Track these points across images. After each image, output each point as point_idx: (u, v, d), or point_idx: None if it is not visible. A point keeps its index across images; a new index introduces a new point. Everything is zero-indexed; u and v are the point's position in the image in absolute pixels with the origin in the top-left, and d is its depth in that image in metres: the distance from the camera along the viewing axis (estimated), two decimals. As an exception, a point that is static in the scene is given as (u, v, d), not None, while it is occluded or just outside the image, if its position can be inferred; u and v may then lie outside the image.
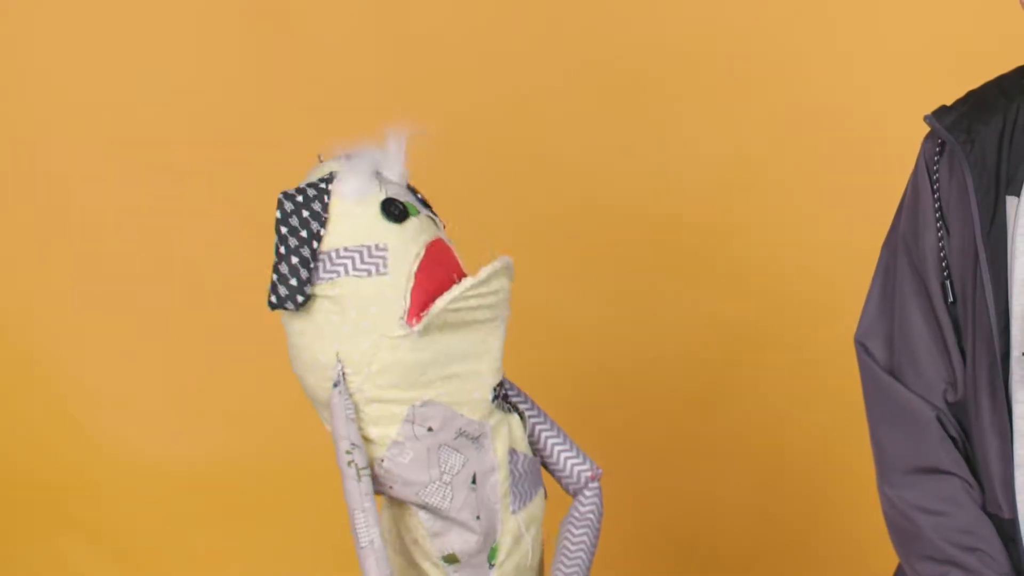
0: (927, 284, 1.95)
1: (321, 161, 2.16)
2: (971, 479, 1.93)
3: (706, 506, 3.29)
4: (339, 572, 3.21)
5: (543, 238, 3.22)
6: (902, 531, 1.96)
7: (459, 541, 2.16)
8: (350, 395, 2.09)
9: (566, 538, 2.22)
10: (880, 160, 3.13)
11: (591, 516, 2.25)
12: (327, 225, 2.07)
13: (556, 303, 3.26)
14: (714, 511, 3.29)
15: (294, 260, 2.07)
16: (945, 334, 1.94)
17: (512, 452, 2.17)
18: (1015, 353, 1.85)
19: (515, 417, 2.20)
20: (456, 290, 2.06)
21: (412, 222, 2.09)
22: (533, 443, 2.24)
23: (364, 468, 2.08)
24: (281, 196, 2.09)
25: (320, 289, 2.08)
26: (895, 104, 3.08)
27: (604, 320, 3.30)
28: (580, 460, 2.25)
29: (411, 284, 2.06)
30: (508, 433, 2.17)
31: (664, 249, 3.25)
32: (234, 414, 3.33)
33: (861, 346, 2.01)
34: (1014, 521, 1.89)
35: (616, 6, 3.22)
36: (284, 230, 2.08)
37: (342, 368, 2.09)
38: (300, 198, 2.08)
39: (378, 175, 2.12)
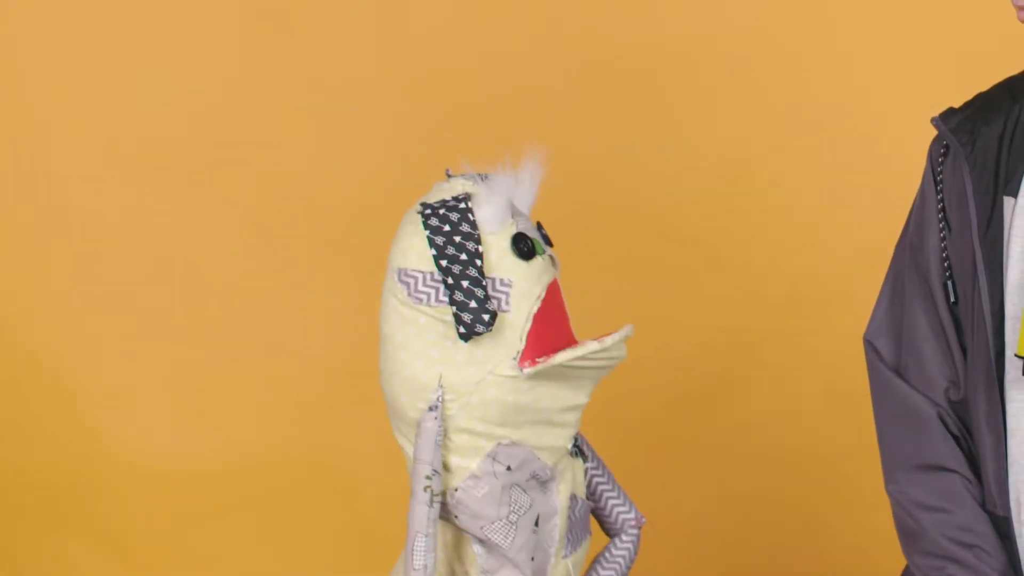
0: (931, 285, 1.96)
1: (449, 176, 2.14)
2: (972, 476, 1.94)
3: (706, 506, 3.29)
4: (339, 572, 3.22)
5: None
6: (906, 527, 1.98)
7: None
8: (443, 421, 2.08)
9: (591, 571, 2.23)
10: (880, 160, 3.14)
11: (621, 560, 2.25)
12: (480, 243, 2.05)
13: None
14: (715, 511, 3.29)
15: (465, 284, 2.02)
16: (948, 334, 1.95)
17: (573, 497, 2.17)
18: (1009, 353, 1.86)
19: (579, 462, 2.20)
20: (580, 350, 2.05)
21: (538, 261, 2.07)
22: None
23: (438, 495, 2.07)
24: (425, 209, 2.06)
25: (440, 312, 2.04)
26: (895, 104, 3.09)
27: (603, 320, 3.29)
28: (625, 506, 2.25)
29: (528, 326, 2.05)
30: (572, 478, 2.16)
31: (664, 249, 3.25)
32: (236, 415, 3.33)
33: (869, 345, 2.03)
34: (1008, 519, 1.90)
35: (616, 6, 3.22)
36: (442, 253, 2.04)
37: (442, 394, 2.06)
38: (444, 212, 2.05)
39: (512, 206, 2.09)
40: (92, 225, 3.34)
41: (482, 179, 2.10)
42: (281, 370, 3.34)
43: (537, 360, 2.04)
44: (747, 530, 3.27)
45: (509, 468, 2.08)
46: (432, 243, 2.04)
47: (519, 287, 2.05)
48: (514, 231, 2.06)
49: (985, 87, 2.00)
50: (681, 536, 3.24)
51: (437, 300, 2.04)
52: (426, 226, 2.05)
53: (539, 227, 2.14)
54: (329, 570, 3.22)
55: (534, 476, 2.10)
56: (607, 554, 2.24)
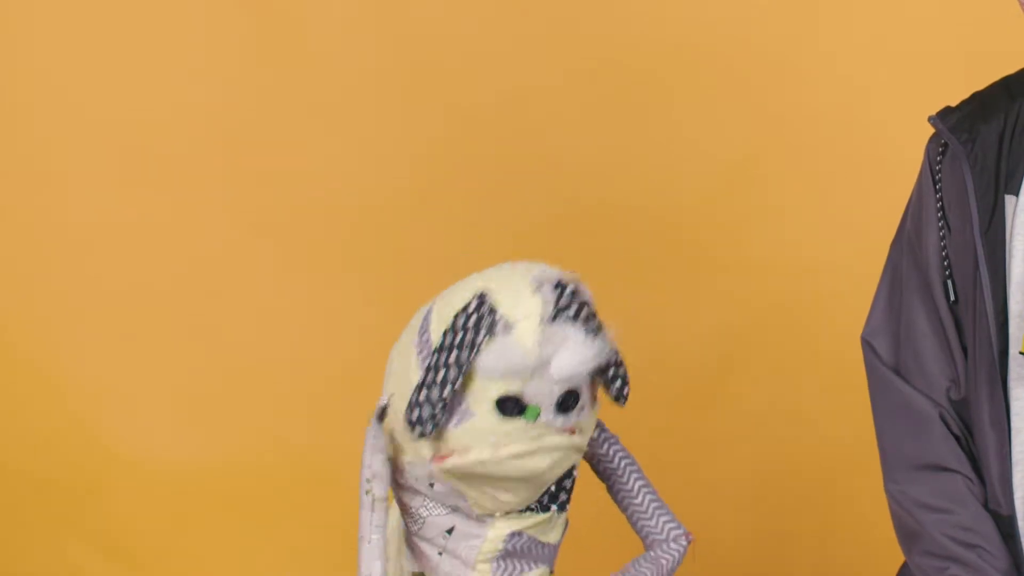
0: (930, 284, 1.96)
1: (543, 286, 2.06)
2: (974, 476, 1.94)
3: (706, 506, 3.29)
4: (339, 572, 3.21)
5: (542, 238, 3.22)
6: (905, 527, 1.98)
7: (416, 564, 2.16)
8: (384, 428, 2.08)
9: (630, 566, 2.21)
10: (881, 160, 3.14)
11: (663, 561, 2.23)
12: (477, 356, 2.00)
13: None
14: (714, 510, 3.29)
15: (438, 383, 1.99)
16: (948, 333, 1.95)
17: (515, 533, 2.13)
18: (1013, 351, 1.86)
19: (541, 516, 2.15)
20: (468, 457, 2.01)
21: (517, 424, 2.01)
22: (628, 495, 2.23)
23: (380, 499, 2.07)
24: (478, 298, 2.01)
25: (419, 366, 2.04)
26: (896, 104, 3.08)
27: (602, 319, 3.29)
28: (674, 522, 2.25)
29: (464, 452, 2.02)
30: (520, 524, 2.13)
31: (664, 249, 3.25)
32: (236, 415, 3.32)
33: (867, 344, 2.03)
34: (1012, 518, 1.90)
35: (616, 6, 3.22)
36: (447, 340, 2.00)
37: (386, 406, 2.08)
38: (478, 314, 2.00)
39: (541, 366, 2.01)
40: (92, 225, 3.33)
41: (544, 320, 2.02)
42: (282, 370, 3.33)
43: (443, 464, 2.02)
44: (747, 529, 3.27)
45: (432, 486, 2.08)
46: (452, 333, 2.01)
47: (477, 424, 2.01)
48: (509, 392, 2.00)
49: (983, 87, 2.00)
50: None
51: (422, 359, 2.04)
52: (464, 313, 2.01)
53: (569, 394, 2.04)
54: (329, 570, 3.21)
55: (459, 508, 2.10)
56: (650, 554, 2.22)
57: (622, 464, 2.25)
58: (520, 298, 2.02)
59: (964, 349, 1.94)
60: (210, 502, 3.30)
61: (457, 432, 2.02)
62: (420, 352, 2.04)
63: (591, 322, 2.07)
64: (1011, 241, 1.86)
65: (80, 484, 3.33)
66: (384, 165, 3.29)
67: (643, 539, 2.25)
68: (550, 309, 2.02)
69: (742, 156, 3.22)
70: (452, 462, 2.02)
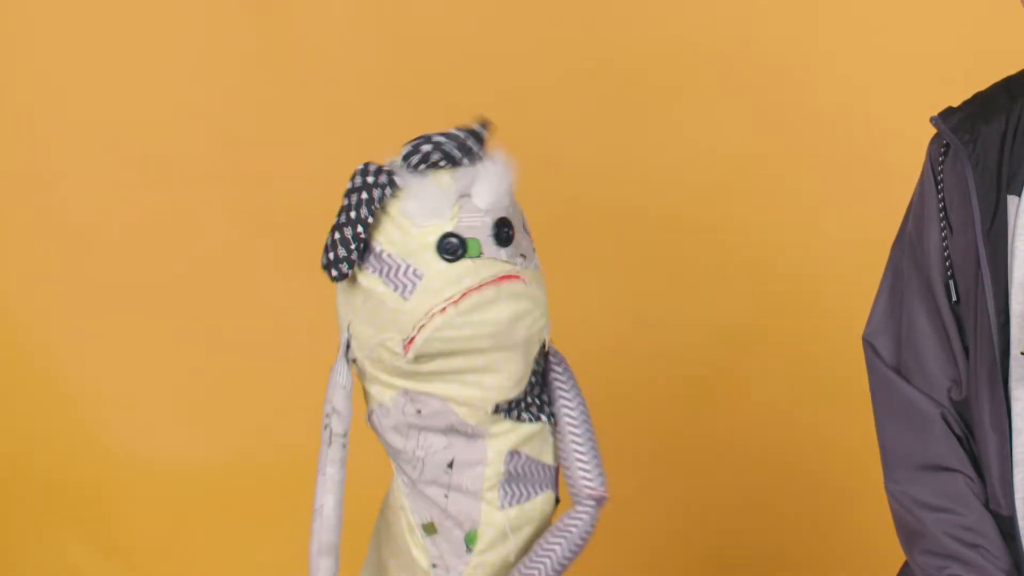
0: (931, 284, 1.97)
1: (422, 138, 2.10)
2: (975, 476, 1.94)
3: (705, 506, 3.29)
4: (339, 572, 3.21)
5: (541, 237, 3.20)
6: (906, 527, 1.98)
7: (429, 513, 2.15)
8: (351, 362, 2.10)
9: (538, 543, 2.16)
10: (881, 160, 3.14)
11: (572, 530, 2.15)
12: (377, 217, 2.04)
13: (554, 302, 3.25)
14: (713, 511, 3.29)
15: (342, 233, 2.06)
16: (949, 333, 1.96)
17: (515, 453, 2.14)
18: (1015, 351, 1.86)
19: (535, 426, 2.15)
20: (435, 322, 2.01)
21: (464, 264, 2.02)
22: (557, 436, 2.19)
23: (338, 435, 2.09)
24: (361, 167, 2.06)
25: (359, 273, 2.07)
26: (896, 104, 3.09)
27: (602, 319, 3.30)
28: (589, 474, 2.17)
29: (425, 321, 2.02)
30: (516, 438, 2.14)
31: (664, 249, 3.25)
32: (236, 415, 3.33)
33: (869, 345, 2.03)
34: (1012, 518, 1.90)
35: (615, 6, 3.22)
36: (346, 201, 2.06)
37: (348, 338, 2.10)
38: (371, 179, 2.04)
39: (462, 197, 2.05)
40: (93, 225, 3.34)
41: (441, 161, 2.06)
42: (282, 370, 3.34)
43: (414, 340, 2.02)
44: (746, 528, 3.27)
45: (419, 412, 2.08)
46: (347, 192, 2.06)
47: (429, 283, 2.02)
48: (444, 230, 2.03)
49: (984, 87, 2.01)
50: (680, 535, 3.24)
51: (362, 262, 2.07)
52: (352, 180, 2.06)
53: (501, 224, 2.07)
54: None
55: (452, 427, 2.09)
56: (559, 523, 2.17)
57: (558, 395, 2.20)
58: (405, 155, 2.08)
59: (966, 349, 1.95)
60: (210, 502, 3.30)
61: (413, 301, 2.01)
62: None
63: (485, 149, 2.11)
64: (1013, 241, 1.86)
65: (80, 484, 3.33)
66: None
67: (570, 495, 2.21)
68: (456, 154, 2.07)
69: (742, 156, 3.22)
70: (420, 337, 2.01)
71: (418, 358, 2.04)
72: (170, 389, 3.34)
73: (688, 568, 3.25)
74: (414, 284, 2.02)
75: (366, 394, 2.15)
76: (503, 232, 2.06)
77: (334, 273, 2.06)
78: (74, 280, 3.34)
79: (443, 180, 2.05)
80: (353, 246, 2.04)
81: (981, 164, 1.89)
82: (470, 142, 2.09)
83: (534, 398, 2.16)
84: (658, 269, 3.25)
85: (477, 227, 2.04)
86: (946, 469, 1.95)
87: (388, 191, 2.03)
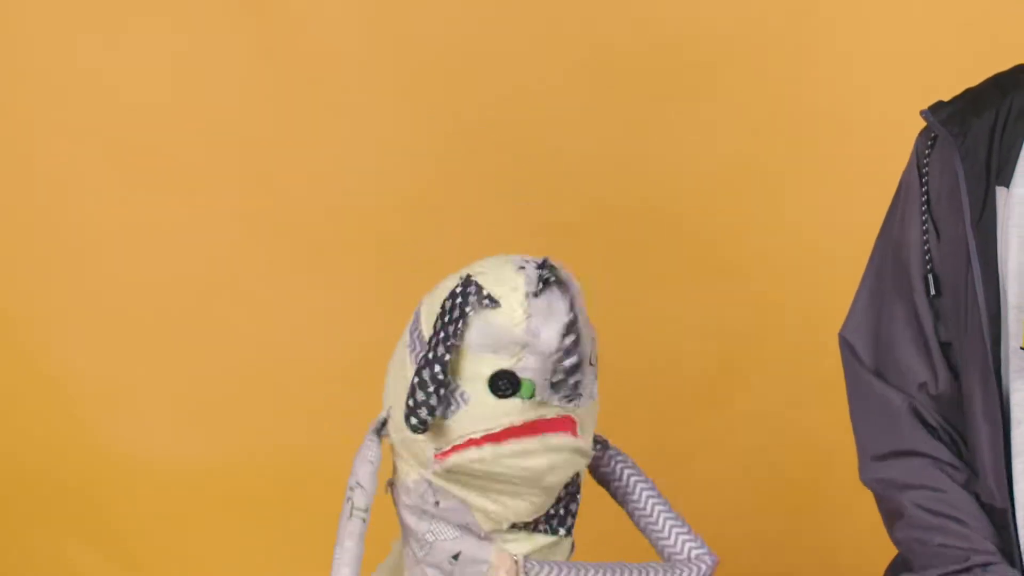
0: (910, 277, 1.98)
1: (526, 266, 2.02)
2: (954, 461, 1.96)
3: (705, 505, 3.28)
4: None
5: (542, 238, 3.22)
6: (887, 509, 2.01)
7: None
8: (382, 437, 2.08)
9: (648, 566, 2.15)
10: (880, 161, 3.11)
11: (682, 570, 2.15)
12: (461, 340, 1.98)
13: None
14: (713, 510, 3.28)
15: (428, 377, 1.97)
16: (925, 328, 1.97)
17: (525, 559, 2.09)
18: (1013, 344, 1.87)
19: (549, 538, 2.11)
20: (469, 454, 1.98)
21: (513, 402, 1.97)
22: (643, 515, 2.18)
23: (360, 510, 2.06)
24: (466, 282, 1.99)
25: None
26: (896, 105, 3.07)
27: (602, 319, 3.29)
28: (695, 541, 2.17)
29: (460, 443, 1.98)
30: (528, 548, 2.09)
31: (663, 249, 3.25)
32: (236, 415, 3.33)
33: (845, 342, 2.06)
34: (1006, 511, 1.91)
35: (618, 6, 3.22)
36: (436, 332, 1.98)
37: (386, 418, 2.07)
38: (464, 299, 1.97)
39: (526, 342, 1.97)
40: (93, 225, 3.34)
41: (529, 295, 1.98)
42: (282, 371, 3.34)
43: (447, 459, 1.99)
44: (746, 529, 3.27)
45: (437, 504, 2.06)
46: (440, 317, 1.98)
47: (472, 410, 1.97)
48: (500, 367, 1.97)
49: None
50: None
51: (415, 357, 2.02)
52: (450, 295, 1.99)
53: (567, 372, 1.99)
54: (328, 570, 3.21)
55: (467, 526, 2.06)
56: (670, 567, 2.14)
57: (631, 481, 2.20)
58: (504, 275, 2.00)
59: (945, 345, 1.96)
60: (210, 502, 3.30)
61: (454, 420, 1.99)
62: (413, 350, 2.03)
63: (572, 289, 2.03)
64: (1005, 233, 1.87)
65: (80, 484, 3.33)
66: (385, 166, 3.29)
67: (664, 560, 2.19)
68: (535, 283, 1.99)
69: (742, 156, 3.22)
70: (452, 459, 1.99)
71: (450, 472, 2.01)
72: (170, 389, 3.34)
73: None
74: (459, 406, 1.98)
75: (393, 463, 2.11)
76: (570, 379, 2.00)
77: (413, 422, 1.97)
78: (74, 280, 3.34)
79: (511, 316, 1.97)
80: (432, 388, 1.96)
81: (971, 156, 1.91)
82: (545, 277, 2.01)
83: (556, 512, 2.12)
84: (657, 269, 3.25)
85: (536, 370, 1.97)
86: (917, 454, 1.97)
87: (459, 320, 1.97)
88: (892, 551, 2.08)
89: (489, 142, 3.26)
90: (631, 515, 2.21)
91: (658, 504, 2.20)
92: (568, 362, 1.98)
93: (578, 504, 2.15)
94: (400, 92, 3.27)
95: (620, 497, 2.21)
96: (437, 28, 3.26)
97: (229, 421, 3.32)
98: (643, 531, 2.21)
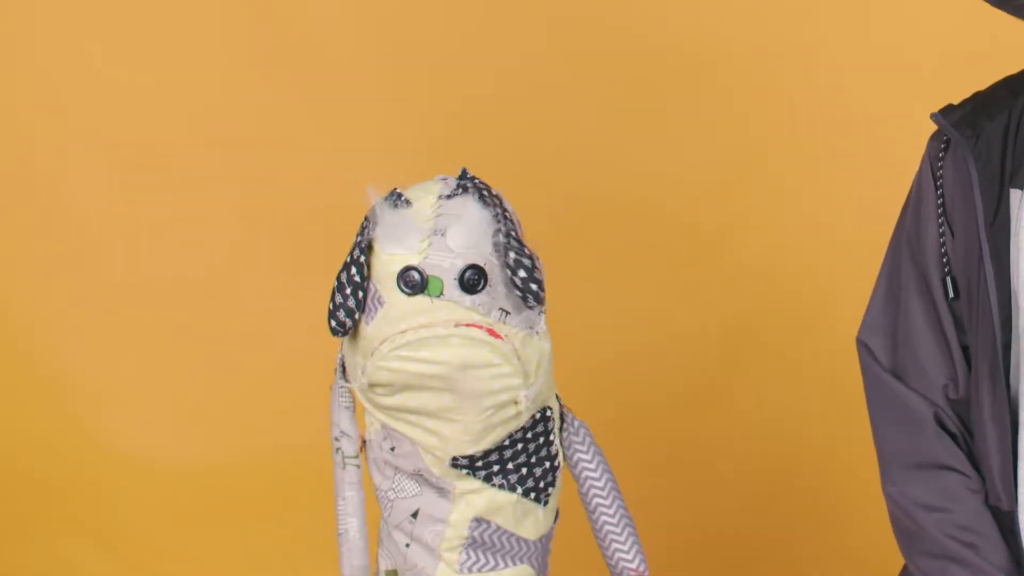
0: (929, 281, 1.97)
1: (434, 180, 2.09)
2: (972, 473, 1.95)
3: (703, 506, 3.29)
4: (338, 572, 3.21)
5: (540, 237, 3.21)
6: (904, 529, 1.98)
7: (393, 559, 2.14)
8: (347, 383, 2.09)
9: None
10: (881, 161, 3.14)
11: None
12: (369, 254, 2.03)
13: (553, 301, 3.25)
14: (711, 511, 3.29)
15: (340, 284, 2.04)
16: (946, 331, 1.96)
17: (481, 520, 2.09)
18: (1023, 345, 1.86)
19: (507, 495, 2.09)
20: (382, 349, 1.98)
21: (421, 300, 1.99)
22: (588, 512, 2.16)
23: (350, 457, 2.08)
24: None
25: None
26: (896, 105, 3.09)
27: (602, 319, 3.30)
28: (627, 554, 2.15)
29: (377, 347, 2.00)
30: (484, 504, 2.09)
31: (663, 249, 3.25)
32: (235, 414, 3.33)
33: (863, 345, 2.04)
34: (1013, 513, 1.91)
35: (620, 5, 3.22)
36: (350, 251, 2.04)
37: (342, 358, 2.10)
38: (368, 218, 2.04)
39: (436, 234, 2.01)
40: (93, 225, 3.34)
41: (442, 196, 2.03)
42: (281, 371, 3.33)
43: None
44: (745, 529, 3.27)
45: (393, 449, 2.06)
46: (361, 224, 2.04)
47: (387, 311, 1.99)
48: (408, 262, 2.00)
49: (985, 86, 2.01)
50: (678, 536, 3.24)
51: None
52: (373, 205, 2.05)
53: (470, 269, 2.00)
54: (330, 570, 3.21)
55: (419, 474, 2.06)
56: None
57: (582, 476, 2.16)
58: (427, 185, 2.06)
59: (965, 348, 1.95)
60: (210, 502, 3.29)
61: (373, 327, 2.00)
62: None
63: (491, 200, 2.04)
64: (1017, 235, 1.87)
65: (80, 484, 3.33)
66: (385, 166, 3.28)
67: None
68: (450, 189, 2.03)
69: (743, 156, 3.23)
70: (370, 362, 1.99)
71: (372, 386, 2.01)
72: (170, 389, 3.34)
73: (687, 568, 3.25)
74: (375, 310, 2.01)
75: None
76: (470, 278, 2.00)
77: (332, 324, 2.03)
78: (74, 280, 3.34)
79: (421, 214, 2.02)
80: (349, 290, 2.01)
81: (984, 158, 1.90)
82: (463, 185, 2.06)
83: (512, 465, 2.09)
84: (657, 269, 3.25)
85: (444, 267, 1.99)
86: (941, 467, 1.95)
87: (368, 224, 2.03)
88: (894, 551, 2.08)
89: (489, 142, 3.26)
90: (584, 495, 2.17)
91: (599, 499, 2.16)
92: (474, 262, 1.98)
93: (547, 471, 2.11)
94: (400, 93, 3.27)
95: (578, 472, 2.18)
96: (437, 28, 3.26)
97: (229, 421, 3.32)
98: (592, 526, 2.17)
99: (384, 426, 2.06)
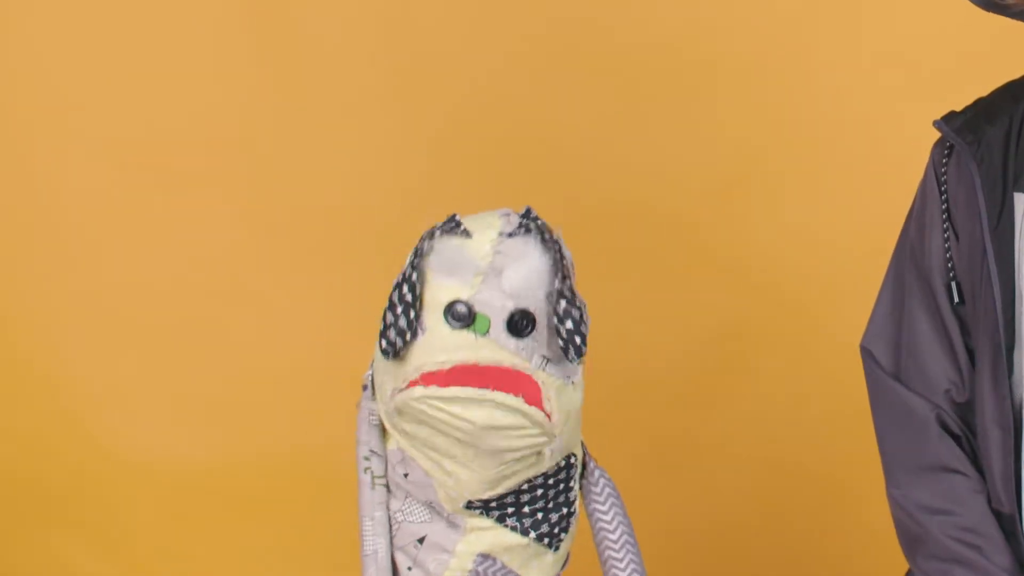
0: (933, 287, 1.97)
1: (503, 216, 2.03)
2: (975, 475, 1.95)
3: (703, 507, 3.29)
4: (341, 572, 3.21)
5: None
6: (908, 533, 1.99)
7: None
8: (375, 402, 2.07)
9: None
10: (881, 162, 3.14)
11: None
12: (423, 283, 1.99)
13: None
14: (711, 512, 3.29)
15: (395, 304, 1.98)
16: (951, 335, 1.96)
17: (486, 556, 2.07)
18: None
19: (519, 539, 2.08)
20: (415, 392, 1.95)
21: (465, 335, 1.96)
22: (600, 562, 2.14)
23: (380, 477, 2.05)
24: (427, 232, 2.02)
25: None
26: (896, 106, 3.09)
27: (602, 320, 3.29)
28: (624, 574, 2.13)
29: (415, 376, 1.96)
30: (492, 541, 2.08)
31: (664, 249, 3.25)
32: (234, 414, 3.33)
33: (867, 352, 2.04)
34: (1014, 516, 1.91)
35: (620, 5, 3.22)
36: (402, 272, 1.99)
37: (371, 375, 2.07)
38: (423, 239, 2.00)
39: (492, 272, 1.97)
40: (92, 225, 3.34)
41: (503, 234, 1.99)
42: (281, 371, 3.34)
43: (400, 392, 1.97)
44: (745, 533, 3.27)
45: (406, 475, 2.05)
46: (416, 246, 2.01)
47: (429, 340, 1.96)
48: (457, 295, 1.96)
49: (986, 89, 2.02)
50: (677, 538, 3.24)
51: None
52: (430, 229, 2.02)
53: (520, 314, 1.98)
54: (330, 570, 3.22)
55: (431, 505, 2.05)
56: None
57: (597, 526, 2.16)
58: (488, 218, 2.01)
59: (970, 352, 1.95)
60: (210, 502, 3.30)
61: (412, 352, 1.96)
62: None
63: (551, 245, 2.01)
64: (1020, 239, 1.88)
65: (80, 484, 3.33)
66: (385, 166, 3.29)
67: None
68: (513, 227, 2.00)
69: (743, 156, 3.23)
70: (401, 396, 1.95)
71: (400, 412, 1.98)
72: (171, 389, 3.34)
73: (687, 569, 3.26)
74: (419, 336, 1.96)
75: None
76: (519, 322, 1.97)
77: (383, 344, 1.97)
78: (74, 280, 3.34)
79: (480, 249, 1.99)
80: (400, 309, 1.96)
81: (986, 163, 1.91)
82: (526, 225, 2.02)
83: (528, 509, 2.08)
84: (658, 269, 3.25)
85: (495, 307, 1.96)
86: (945, 470, 1.96)
87: (425, 247, 1.99)
88: (897, 555, 2.08)
89: (489, 142, 3.26)
90: (592, 523, 2.17)
91: (611, 550, 2.14)
92: (525, 307, 1.96)
93: (562, 517, 2.10)
94: (400, 93, 3.27)
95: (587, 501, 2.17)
96: (438, 28, 3.26)
97: (229, 421, 3.32)
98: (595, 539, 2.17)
99: (402, 450, 2.05)
